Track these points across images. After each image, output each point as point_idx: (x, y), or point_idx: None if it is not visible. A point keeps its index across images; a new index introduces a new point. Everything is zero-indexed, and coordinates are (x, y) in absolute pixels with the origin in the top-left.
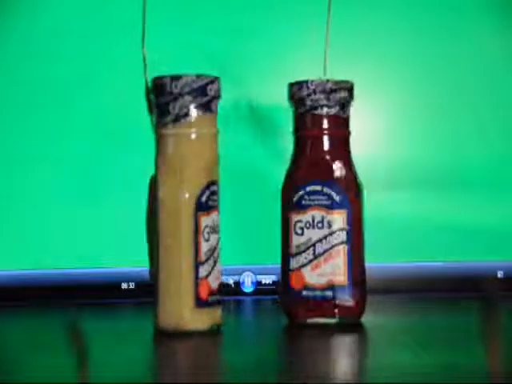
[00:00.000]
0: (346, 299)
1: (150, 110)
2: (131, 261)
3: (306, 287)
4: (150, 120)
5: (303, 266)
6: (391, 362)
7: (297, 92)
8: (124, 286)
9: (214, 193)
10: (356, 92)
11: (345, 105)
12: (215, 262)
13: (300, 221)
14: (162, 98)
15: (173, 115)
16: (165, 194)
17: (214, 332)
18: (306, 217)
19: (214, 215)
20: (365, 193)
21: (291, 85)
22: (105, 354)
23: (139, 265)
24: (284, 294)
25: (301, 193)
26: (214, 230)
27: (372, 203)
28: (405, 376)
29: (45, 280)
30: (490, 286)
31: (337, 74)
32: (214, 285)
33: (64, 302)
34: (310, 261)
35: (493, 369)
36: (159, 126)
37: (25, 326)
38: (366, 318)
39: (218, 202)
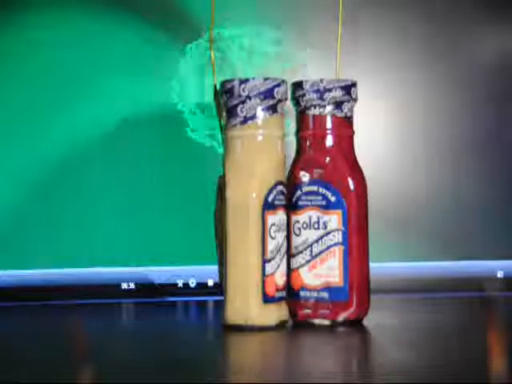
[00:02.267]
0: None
1: (218, 113)
2: (131, 261)
3: (303, 288)
4: (219, 122)
5: (301, 266)
6: (392, 361)
7: (294, 92)
8: (124, 286)
9: (280, 192)
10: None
11: (341, 104)
12: (281, 260)
13: (298, 221)
14: (231, 101)
15: (241, 117)
16: (233, 194)
17: (281, 327)
18: (303, 217)
19: (280, 214)
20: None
21: (291, 85)
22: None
23: (139, 265)
24: (288, 294)
25: (298, 193)
26: (280, 228)
27: (372, 204)
28: (405, 375)
29: (45, 280)
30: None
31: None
32: (280, 281)
33: (64, 302)
34: (308, 261)
35: (493, 368)
36: (228, 127)
37: (25, 325)
38: (367, 318)
39: (284, 202)
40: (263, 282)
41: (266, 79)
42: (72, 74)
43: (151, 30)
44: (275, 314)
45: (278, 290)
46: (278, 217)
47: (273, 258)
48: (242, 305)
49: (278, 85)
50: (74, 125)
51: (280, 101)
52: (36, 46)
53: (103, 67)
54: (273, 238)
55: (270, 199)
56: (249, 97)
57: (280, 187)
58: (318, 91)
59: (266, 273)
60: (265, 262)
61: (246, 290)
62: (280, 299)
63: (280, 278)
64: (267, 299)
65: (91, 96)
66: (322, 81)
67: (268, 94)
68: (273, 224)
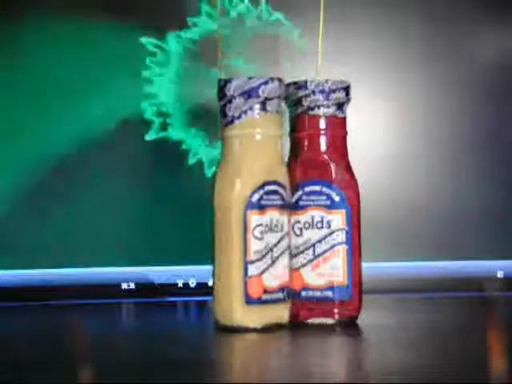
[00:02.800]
0: (347, 301)
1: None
2: (131, 261)
3: (305, 287)
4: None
5: (302, 266)
6: (391, 361)
7: (295, 92)
8: (124, 286)
9: (271, 192)
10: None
11: (342, 105)
12: (273, 261)
13: (298, 221)
14: (221, 101)
15: (228, 117)
16: (218, 193)
17: (272, 330)
18: (305, 217)
19: (271, 214)
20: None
21: (288, 85)
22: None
23: (139, 265)
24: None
25: (299, 193)
26: (272, 229)
27: (372, 203)
28: (404, 375)
29: (45, 280)
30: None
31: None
32: (271, 283)
33: (64, 302)
34: (310, 261)
35: (493, 368)
36: (221, 127)
37: (25, 325)
38: (366, 318)
39: (281, 202)
40: (245, 284)
41: (250, 78)
42: (72, 77)
43: (152, 31)
44: (260, 316)
45: (266, 292)
46: (266, 217)
47: (258, 259)
48: (226, 306)
49: (265, 83)
50: (75, 125)
51: (268, 99)
52: (41, 48)
53: (100, 70)
54: (258, 239)
55: (254, 199)
56: (233, 96)
57: (271, 187)
58: (323, 92)
59: (249, 274)
60: (247, 263)
61: (229, 291)
62: (269, 302)
63: (272, 280)
64: (250, 301)
65: (89, 97)
66: (327, 81)
67: (252, 92)
68: (259, 225)
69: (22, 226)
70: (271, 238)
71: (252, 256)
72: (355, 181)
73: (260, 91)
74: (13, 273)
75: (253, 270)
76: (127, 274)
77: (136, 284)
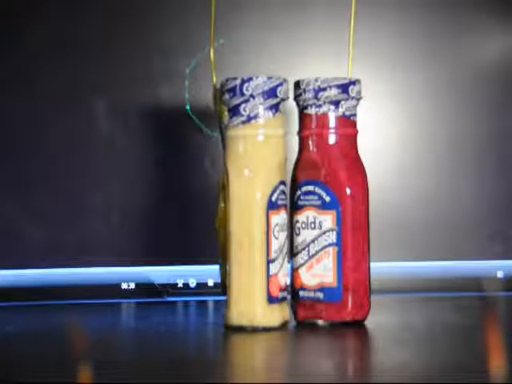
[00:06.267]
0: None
1: (217, 112)
2: (131, 261)
3: (303, 288)
4: (218, 122)
5: (300, 266)
6: (391, 361)
7: (293, 92)
8: (124, 286)
9: (282, 192)
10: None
11: (338, 103)
12: (283, 260)
13: (297, 221)
14: (234, 100)
15: (244, 116)
16: (236, 194)
17: (283, 328)
18: (302, 217)
19: (282, 214)
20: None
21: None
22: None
23: (139, 265)
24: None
25: (298, 193)
26: (283, 228)
27: (372, 202)
28: (405, 375)
29: (45, 280)
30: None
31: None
32: (283, 282)
33: (64, 302)
34: (306, 261)
35: (493, 368)
36: (230, 126)
37: (24, 325)
38: (367, 318)
39: (287, 201)
40: (267, 283)
41: (269, 78)
42: (80, 70)
43: (161, 28)
44: (279, 314)
45: (280, 290)
46: (280, 216)
47: (276, 259)
48: (246, 306)
49: (281, 84)
50: (74, 121)
51: (283, 100)
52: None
53: (108, 63)
54: (276, 238)
55: (273, 199)
56: (252, 96)
57: (282, 187)
58: (312, 90)
59: (270, 273)
60: (269, 262)
61: (250, 291)
62: (283, 299)
63: (282, 278)
64: (271, 300)
65: (94, 93)
66: (316, 80)
67: (271, 93)
68: (276, 224)
69: (22, 225)
70: (282, 238)
71: (272, 255)
72: (354, 181)
73: (277, 91)
74: (13, 273)
75: (273, 269)
76: (127, 274)
77: (136, 284)
